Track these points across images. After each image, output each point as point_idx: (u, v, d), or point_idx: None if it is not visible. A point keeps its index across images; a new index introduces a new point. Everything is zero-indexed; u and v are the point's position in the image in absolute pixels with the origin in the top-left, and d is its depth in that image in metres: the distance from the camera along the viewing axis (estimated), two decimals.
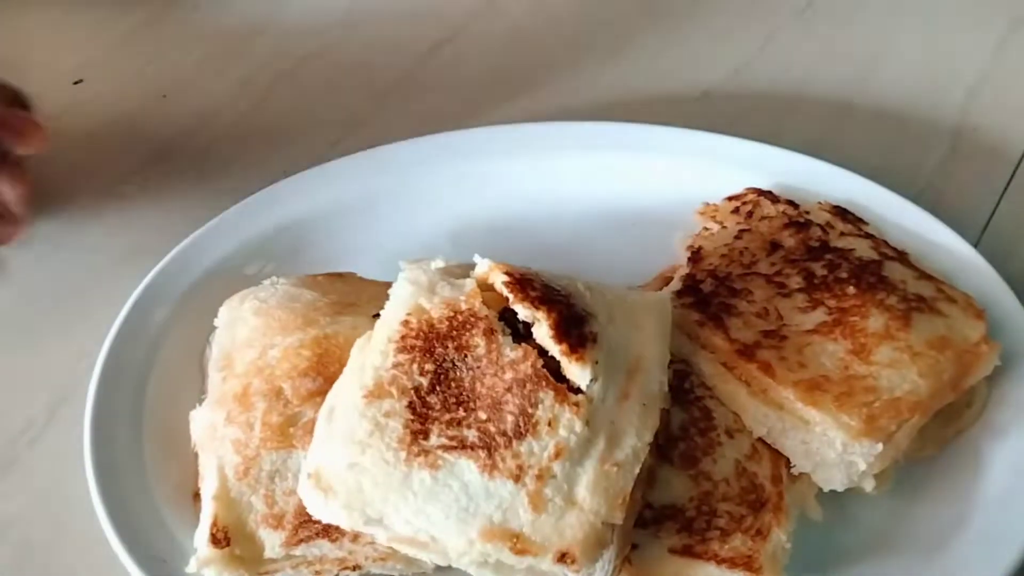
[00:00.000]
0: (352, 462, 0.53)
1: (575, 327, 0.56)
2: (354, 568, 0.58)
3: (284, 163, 0.81)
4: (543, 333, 0.55)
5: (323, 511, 0.53)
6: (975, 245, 0.73)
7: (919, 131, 0.86)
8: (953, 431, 0.64)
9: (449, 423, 0.54)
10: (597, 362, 0.55)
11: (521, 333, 0.56)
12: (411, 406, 0.54)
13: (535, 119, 0.84)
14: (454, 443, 0.53)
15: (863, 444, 0.58)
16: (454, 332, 0.56)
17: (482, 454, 0.53)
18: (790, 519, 0.58)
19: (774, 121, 0.86)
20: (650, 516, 0.57)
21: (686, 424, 0.60)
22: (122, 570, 0.58)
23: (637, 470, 0.53)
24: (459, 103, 0.89)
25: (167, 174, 0.85)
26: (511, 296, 0.57)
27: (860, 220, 0.72)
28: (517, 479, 0.52)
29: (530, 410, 0.53)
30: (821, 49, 0.94)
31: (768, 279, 0.67)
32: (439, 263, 0.59)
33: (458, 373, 0.55)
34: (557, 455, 0.53)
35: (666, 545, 0.56)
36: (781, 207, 0.72)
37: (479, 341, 0.55)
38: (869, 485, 0.59)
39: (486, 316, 0.56)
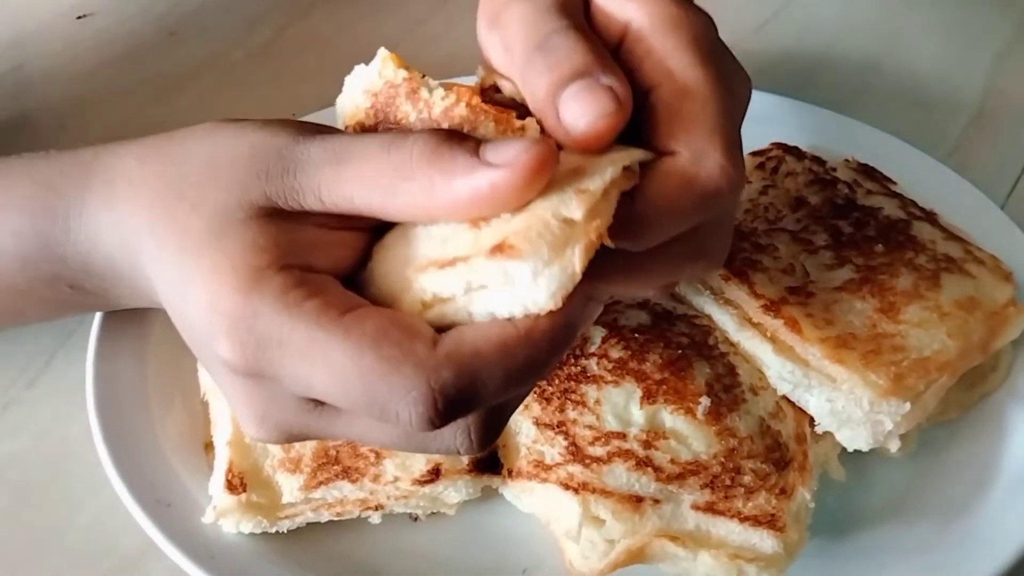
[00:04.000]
0: None
1: None
2: (376, 508, 0.57)
3: (294, 105, 0.79)
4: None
5: None
6: (1001, 207, 0.72)
7: (946, 93, 0.85)
8: (977, 395, 0.63)
9: None
10: None
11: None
12: None
13: None
14: None
15: (890, 403, 0.57)
16: (382, 114, 0.46)
17: None
18: (814, 479, 0.57)
19: (797, 79, 0.85)
20: (673, 472, 0.55)
21: (711, 380, 0.59)
22: (124, 512, 0.56)
23: (608, 174, 0.41)
24: (472, 52, 0.87)
25: (174, 114, 0.82)
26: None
27: (887, 179, 0.71)
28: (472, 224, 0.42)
29: None
30: (847, 8, 0.93)
31: (794, 235, 0.65)
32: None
33: None
34: None
35: (689, 502, 0.55)
36: (807, 163, 0.71)
37: (407, 108, 0.45)
38: (895, 445, 0.58)
39: (406, 78, 0.46)
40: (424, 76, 0.46)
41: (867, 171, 0.71)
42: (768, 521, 0.54)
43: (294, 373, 0.40)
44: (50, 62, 0.86)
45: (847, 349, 0.58)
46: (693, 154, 0.43)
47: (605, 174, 0.41)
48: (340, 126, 0.48)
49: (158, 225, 0.44)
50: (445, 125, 0.44)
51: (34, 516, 0.60)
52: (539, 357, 0.40)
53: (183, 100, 0.84)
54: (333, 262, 0.43)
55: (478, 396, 0.39)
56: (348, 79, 0.48)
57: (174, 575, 0.55)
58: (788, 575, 0.55)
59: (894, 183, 0.71)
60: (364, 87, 0.46)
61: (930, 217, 0.68)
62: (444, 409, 0.38)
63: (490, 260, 0.39)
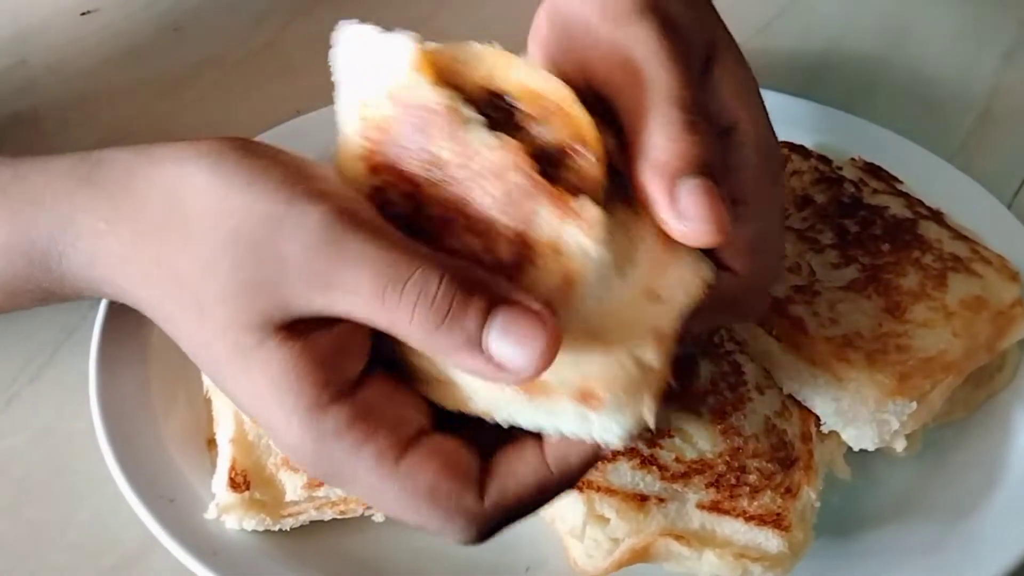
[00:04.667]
0: None
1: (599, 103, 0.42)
2: None
3: (297, 102, 0.79)
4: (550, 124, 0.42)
5: None
6: (1008, 207, 0.72)
7: (953, 92, 0.85)
8: (983, 395, 0.63)
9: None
10: None
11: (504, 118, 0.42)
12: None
13: None
14: None
15: (896, 402, 0.56)
16: (415, 136, 0.41)
17: None
18: (819, 478, 0.57)
19: (803, 77, 0.85)
20: (679, 471, 0.55)
21: (716, 379, 0.59)
22: (126, 508, 0.56)
23: (684, 305, 0.42)
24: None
25: (177, 110, 0.82)
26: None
27: (893, 178, 0.70)
28: None
29: (527, 232, 0.40)
30: (853, 6, 0.92)
31: (800, 234, 0.65)
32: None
33: (435, 191, 0.41)
34: (569, 286, 0.40)
35: (694, 500, 0.55)
36: (813, 162, 0.70)
37: (445, 144, 0.41)
38: (900, 445, 0.58)
39: (447, 106, 0.41)
40: (464, 101, 0.41)
41: (873, 170, 0.71)
42: (773, 520, 0.54)
43: (359, 496, 0.45)
44: (54, 57, 0.86)
45: (853, 348, 0.58)
46: (751, 279, 0.46)
47: (680, 305, 0.41)
48: (348, 119, 0.44)
49: (165, 318, 0.44)
50: (493, 186, 0.40)
51: (37, 512, 0.59)
52: (568, 486, 0.43)
53: (187, 96, 0.83)
54: (359, 356, 0.42)
55: (514, 523, 0.44)
56: (345, 43, 0.44)
57: (176, 571, 0.55)
58: (793, 575, 0.55)
59: (900, 182, 0.70)
60: (388, 89, 0.42)
61: (936, 216, 0.68)
62: (486, 538, 0.44)
63: (572, 403, 0.40)
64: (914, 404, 0.57)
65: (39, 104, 0.83)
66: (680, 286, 0.42)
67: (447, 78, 0.42)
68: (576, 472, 0.43)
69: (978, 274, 0.63)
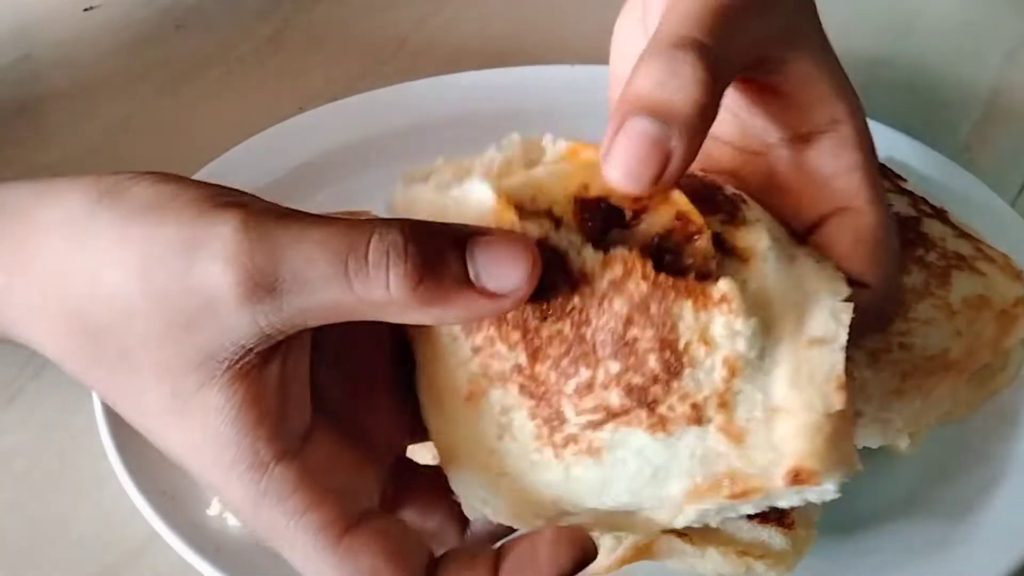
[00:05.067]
0: (498, 474, 0.41)
1: (708, 193, 0.41)
2: None
3: (300, 99, 0.79)
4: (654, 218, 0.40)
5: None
6: (1012, 205, 0.72)
7: (957, 90, 0.85)
8: (986, 393, 0.63)
9: (580, 393, 0.39)
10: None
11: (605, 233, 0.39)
12: (523, 389, 0.39)
13: (560, 62, 0.82)
14: (600, 415, 0.39)
15: (899, 401, 0.56)
16: None
17: (641, 414, 0.38)
18: None
19: None
20: None
21: None
22: (129, 504, 0.56)
23: (844, 337, 0.40)
24: (485, 45, 0.87)
25: (180, 106, 0.83)
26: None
27: (898, 176, 0.70)
28: (698, 421, 0.38)
29: (670, 335, 0.38)
30: (857, 5, 0.92)
31: None
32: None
33: (553, 327, 0.38)
34: (732, 373, 0.38)
35: None
36: None
37: (551, 275, 0.38)
38: (903, 443, 0.58)
39: (538, 233, 0.38)
40: (558, 227, 0.38)
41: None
42: (777, 518, 0.54)
43: (292, 563, 0.40)
44: (57, 52, 0.87)
45: (856, 346, 0.58)
46: (882, 291, 0.44)
47: (841, 338, 0.39)
48: None
49: (83, 371, 0.41)
50: (618, 302, 0.38)
51: (39, 508, 0.60)
52: None
53: (189, 92, 0.84)
54: (306, 404, 0.39)
55: None
56: (403, 202, 0.40)
57: (179, 567, 0.55)
58: (796, 572, 0.55)
59: (904, 180, 0.70)
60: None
61: (940, 214, 0.67)
62: None
63: (787, 488, 0.39)
64: (917, 403, 0.57)
65: (43, 98, 0.83)
66: (831, 319, 0.40)
67: (529, 206, 0.39)
68: None
69: (982, 272, 0.63)
